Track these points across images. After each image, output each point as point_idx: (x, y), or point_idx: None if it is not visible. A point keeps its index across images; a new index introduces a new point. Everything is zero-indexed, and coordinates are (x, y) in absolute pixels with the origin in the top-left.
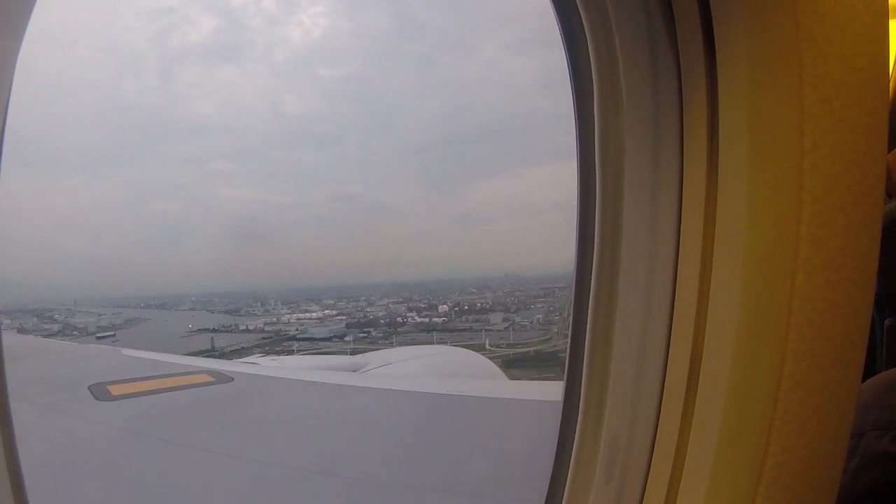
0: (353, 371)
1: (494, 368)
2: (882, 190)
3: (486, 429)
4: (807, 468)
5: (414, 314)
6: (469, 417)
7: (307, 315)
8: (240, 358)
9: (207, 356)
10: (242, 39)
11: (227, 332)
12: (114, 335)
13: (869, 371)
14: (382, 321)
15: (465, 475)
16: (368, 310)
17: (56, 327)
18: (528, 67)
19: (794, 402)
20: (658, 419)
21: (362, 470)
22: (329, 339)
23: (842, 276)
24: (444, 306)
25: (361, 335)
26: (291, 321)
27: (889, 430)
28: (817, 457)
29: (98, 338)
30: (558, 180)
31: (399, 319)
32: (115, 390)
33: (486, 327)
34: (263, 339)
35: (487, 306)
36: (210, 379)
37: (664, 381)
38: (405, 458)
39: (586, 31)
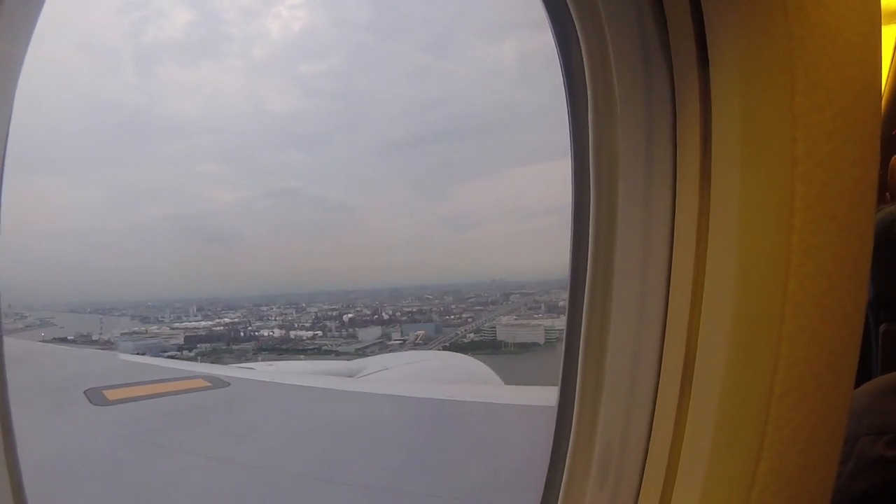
0: (350, 376)
1: (491, 374)
2: (874, 198)
3: (483, 434)
4: (800, 473)
5: (282, 328)
6: (466, 423)
7: (197, 324)
8: None
9: None
10: (219, 34)
11: (82, 341)
12: None
13: (865, 376)
14: (234, 335)
15: (463, 481)
16: (272, 320)
17: None
18: (516, 58)
19: (787, 407)
20: (652, 424)
21: (359, 475)
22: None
23: (834, 283)
24: (350, 316)
25: (178, 353)
26: (164, 331)
27: (883, 434)
28: (811, 462)
29: None
30: (547, 181)
31: (259, 334)
32: (111, 395)
33: (340, 347)
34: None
35: (391, 317)
36: (206, 384)
37: (658, 387)
38: (403, 464)
39: (580, 42)
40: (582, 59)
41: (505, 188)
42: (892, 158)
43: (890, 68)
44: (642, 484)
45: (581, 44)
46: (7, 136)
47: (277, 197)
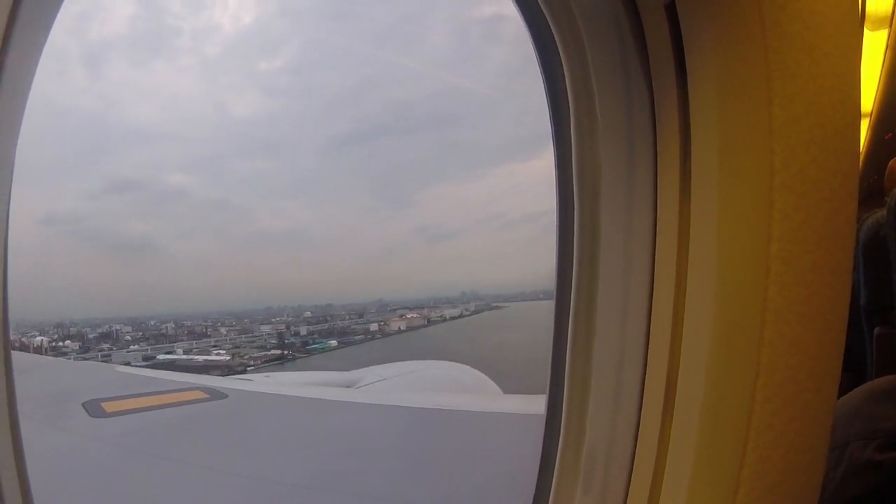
0: (348, 387)
1: (489, 383)
2: (854, 206)
3: (482, 443)
4: (784, 477)
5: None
6: (464, 432)
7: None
8: None
9: None
10: (165, 27)
11: None
12: None
13: (861, 379)
14: None
15: (459, 490)
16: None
17: None
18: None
19: (768, 412)
20: (637, 430)
21: (358, 486)
22: None
23: (813, 291)
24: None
25: None
26: None
27: (873, 439)
28: (794, 466)
29: None
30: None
31: None
32: (108, 407)
33: None
34: None
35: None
36: (204, 396)
37: (643, 393)
38: (402, 475)
39: (561, 57)
40: (564, 74)
41: (476, 191)
42: (891, 161)
43: (881, 73)
44: (629, 489)
45: (562, 59)
46: (16, 140)
47: (166, 202)
